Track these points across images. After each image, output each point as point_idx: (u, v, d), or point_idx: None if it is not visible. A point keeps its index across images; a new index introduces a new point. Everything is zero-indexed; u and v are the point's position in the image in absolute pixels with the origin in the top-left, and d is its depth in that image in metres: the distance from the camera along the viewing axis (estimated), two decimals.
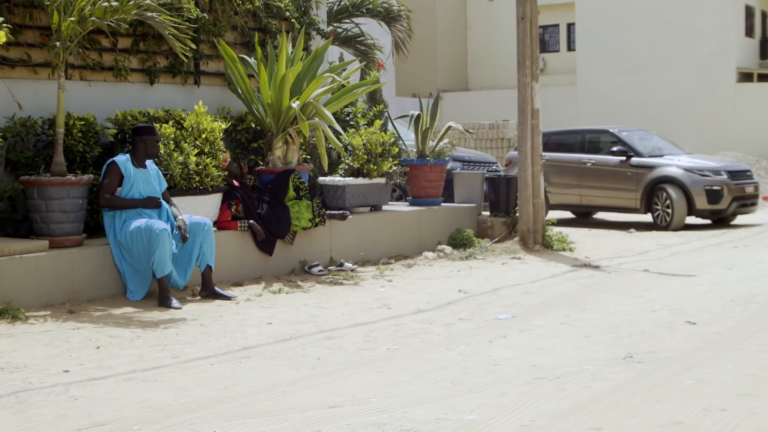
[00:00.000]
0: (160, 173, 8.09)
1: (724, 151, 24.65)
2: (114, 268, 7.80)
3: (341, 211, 9.85)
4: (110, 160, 7.87)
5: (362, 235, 10.22)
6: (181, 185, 8.47)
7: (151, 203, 7.80)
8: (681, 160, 14.37)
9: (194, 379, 5.22)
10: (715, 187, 13.85)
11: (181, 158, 8.45)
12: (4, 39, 7.18)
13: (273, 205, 9.20)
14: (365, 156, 10.39)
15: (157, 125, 8.42)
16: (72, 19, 7.61)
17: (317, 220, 9.37)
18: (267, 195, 9.31)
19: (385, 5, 15.26)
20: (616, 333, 6.38)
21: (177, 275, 7.86)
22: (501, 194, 11.85)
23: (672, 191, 13.81)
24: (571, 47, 32.60)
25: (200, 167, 8.60)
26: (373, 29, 16.34)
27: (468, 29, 34.22)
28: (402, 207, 11.36)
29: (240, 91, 9.85)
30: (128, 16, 7.89)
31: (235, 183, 9.24)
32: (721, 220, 14.50)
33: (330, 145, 10.29)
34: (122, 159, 7.83)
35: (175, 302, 7.52)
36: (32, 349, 5.97)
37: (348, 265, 9.62)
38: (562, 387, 4.94)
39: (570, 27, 32.51)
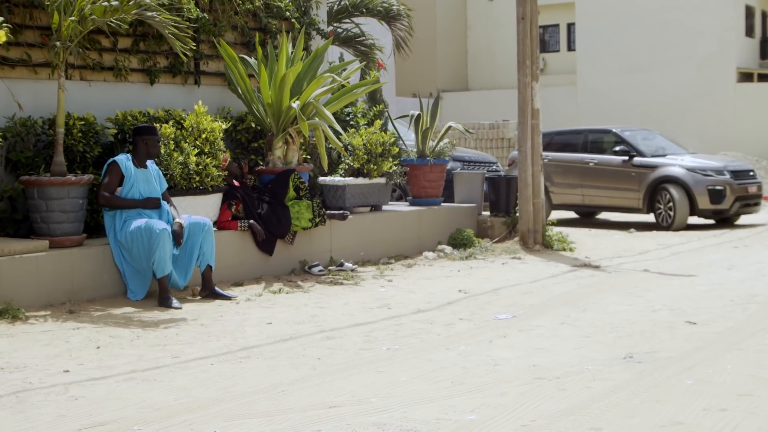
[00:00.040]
0: (161, 173, 8.09)
1: (724, 151, 24.65)
2: (114, 268, 7.80)
3: (341, 211, 9.85)
4: (111, 159, 7.87)
5: (362, 235, 10.22)
6: (181, 185, 8.47)
7: (150, 204, 7.80)
8: (683, 159, 14.31)
9: (194, 379, 5.22)
10: (717, 187, 13.79)
11: (181, 158, 8.45)
12: (4, 38, 7.17)
13: (273, 205, 9.20)
14: (365, 156, 10.39)
15: (157, 125, 8.42)
16: (72, 18, 7.61)
17: (317, 220, 9.37)
18: (267, 195, 9.31)
19: (384, 4, 15.26)
20: (616, 333, 6.38)
21: (177, 275, 7.86)
22: (501, 194, 11.85)
23: (674, 191, 13.77)
24: (571, 47, 32.60)
25: (200, 167, 8.60)
26: (374, 29, 16.34)
27: (468, 29, 34.22)
28: (402, 207, 11.36)
29: (240, 91, 9.85)
30: (128, 16, 7.89)
31: (236, 183, 9.24)
32: (724, 220, 14.43)
33: (330, 145, 10.29)
34: (123, 159, 7.83)
35: (175, 302, 7.52)
36: (32, 349, 5.97)
37: (348, 265, 9.62)
38: (562, 387, 4.94)
39: (570, 27, 32.51)
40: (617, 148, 14.56)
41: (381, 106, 11.72)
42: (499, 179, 11.99)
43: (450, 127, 12.32)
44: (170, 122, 8.82)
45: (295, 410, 4.56)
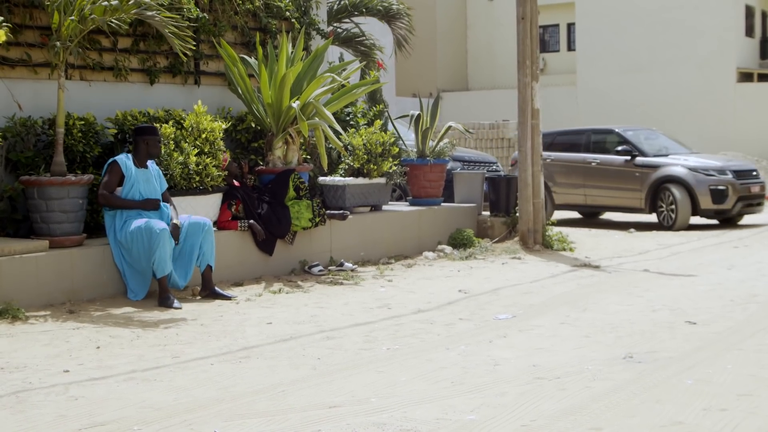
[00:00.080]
0: (161, 173, 8.09)
1: (724, 151, 24.64)
2: (114, 268, 7.80)
3: (341, 211, 9.85)
4: (111, 159, 7.87)
5: (362, 235, 10.22)
6: (181, 185, 8.47)
7: (149, 205, 7.77)
8: (686, 159, 14.24)
9: (194, 379, 5.22)
10: (719, 187, 13.72)
11: (181, 158, 8.45)
12: (3, 38, 7.18)
13: (273, 205, 9.20)
14: (365, 156, 10.39)
15: (157, 125, 8.42)
16: (72, 18, 7.61)
17: (317, 219, 9.38)
18: (267, 195, 9.31)
19: (384, 4, 15.26)
20: (616, 333, 6.38)
21: (177, 275, 7.86)
22: (501, 194, 11.85)
23: (676, 191, 13.72)
24: (571, 47, 32.61)
25: (200, 167, 8.60)
26: (374, 29, 16.35)
27: (468, 29, 34.23)
28: (402, 207, 11.36)
29: (240, 91, 9.85)
30: (128, 16, 7.89)
31: (235, 183, 9.24)
32: (727, 220, 14.37)
33: (330, 145, 10.29)
34: (123, 158, 7.83)
35: (175, 302, 7.52)
36: (32, 349, 5.97)
37: (348, 265, 9.62)
38: (562, 387, 4.94)
39: (570, 27, 32.52)
40: (619, 148, 14.51)
41: (381, 106, 11.72)
42: (499, 179, 11.99)
43: (450, 127, 12.32)
44: (170, 122, 8.82)
45: (295, 410, 4.56)
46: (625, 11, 29.12)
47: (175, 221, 7.76)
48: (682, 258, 10.62)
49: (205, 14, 9.72)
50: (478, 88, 33.31)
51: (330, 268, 9.51)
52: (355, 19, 15.49)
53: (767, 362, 5.47)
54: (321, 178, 10.49)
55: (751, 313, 7.12)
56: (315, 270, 9.29)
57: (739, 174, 14.04)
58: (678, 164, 14.03)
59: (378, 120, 11.18)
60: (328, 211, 9.72)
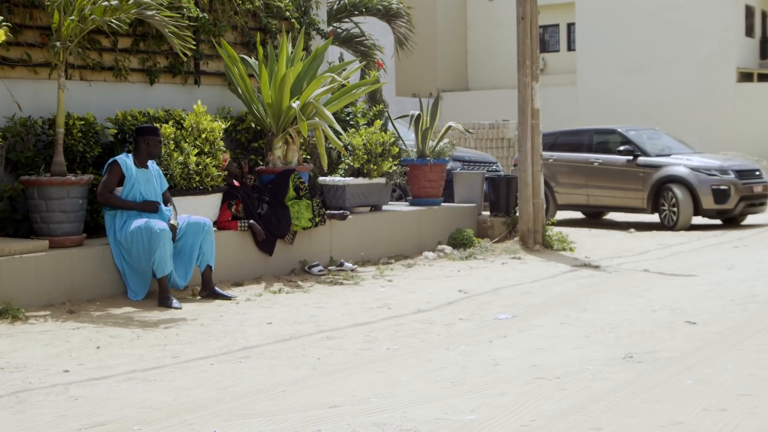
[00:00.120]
0: (162, 173, 8.09)
1: (724, 151, 24.64)
2: (114, 268, 7.80)
3: (341, 211, 9.85)
4: (112, 159, 7.86)
5: (362, 235, 10.22)
6: (181, 185, 8.47)
7: (147, 207, 7.75)
8: (688, 159, 14.18)
9: (194, 379, 5.22)
10: (722, 187, 13.65)
11: (181, 158, 8.45)
12: (3, 37, 7.17)
13: (273, 205, 9.20)
14: (365, 156, 10.39)
15: (157, 125, 8.42)
16: (72, 18, 7.61)
17: (317, 219, 9.38)
18: (267, 195, 9.31)
19: (384, 3, 15.25)
20: (616, 333, 6.38)
21: (177, 275, 7.86)
22: (501, 194, 11.85)
23: (678, 191, 13.66)
24: (571, 47, 32.62)
25: (200, 167, 8.60)
26: (374, 29, 16.34)
27: (468, 29, 34.23)
28: (402, 207, 11.36)
29: (240, 91, 9.85)
30: (128, 16, 7.89)
31: (235, 183, 9.24)
32: (730, 220, 14.33)
33: (330, 145, 10.30)
34: (124, 158, 7.82)
35: (175, 302, 7.52)
36: (32, 349, 5.97)
37: (348, 265, 9.62)
38: (562, 387, 4.94)
39: (570, 27, 32.53)
40: (621, 148, 14.46)
41: (381, 106, 11.72)
42: (499, 179, 11.99)
43: (450, 127, 12.32)
44: (170, 122, 8.82)
45: (295, 410, 4.56)
46: (625, 11, 29.12)
47: (172, 221, 7.76)
48: (682, 258, 10.61)
49: (205, 14, 9.73)
50: (478, 88, 33.32)
51: (330, 268, 9.51)
52: (354, 18, 15.48)
53: (767, 362, 5.47)
54: (321, 178, 10.49)
55: (751, 313, 7.12)
56: (315, 270, 9.29)
57: (742, 174, 13.97)
58: (680, 164, 13.98)
59: (378, 120, 11.18)
60: (328, 211, 9.72)
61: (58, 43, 7.71)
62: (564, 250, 11.07)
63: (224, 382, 5.14)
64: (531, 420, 4.35)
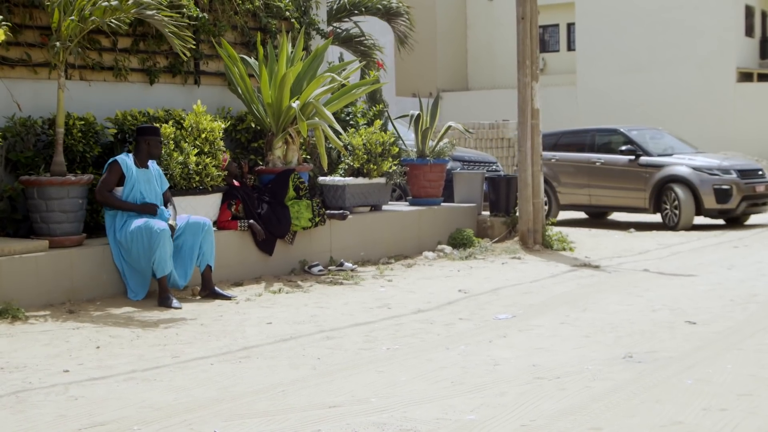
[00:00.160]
0: (162, 173, 8.08)
1: (724, 151, 24.64)
2: (114, 267, 7.80)
3: (341, 211, 9.85)
4: (113, 158, 7.86)
5: (362, 235, 10.22)
6: (181, 185, 8.47)
7: (146, 210, 7.74)
8: (690, 159, 14.13)
9: (194, 378, 5.22)
10: (723, 186, 13.60)
11: (180, 158, 8.45)
12: (3, 37, 7.17)
13: (273, 205, 9.20)
14: (365, 156, 10.39)
15: (157, 125, 8.41)
16: (72, 18, 7.61)
17: (317, 219, 9.38)
18: (267, 195, 9.31)
19: (383, 2, 15.24)
20: (616, 333, 6.38)
21: (177, 275, 7.86)
22: (501, 194, 11.85)
23: (679, 191, 13.61)
24: (571, 47, 32.62)
25: (200, 167, 8.60)
26: (373, 29, 16.34)
27: (468, 29, 34.24)
28: (402, 207, 11.36)
29: (240, 90, 9.85)
30: (128, 16, 7.89)
31: (235, 183, 9.24)
32: (733, 220, 14.28)
33: (330, 145, 10.30)
34: (125, 158, 7.82)
35: (175, 302, 7.52)
36: (32, 349, 5.97)
37: (348, 264, 9.62)
38: (562, 387, 4.94)
39: (570, 27, 32.53)
40: (623, 148, 14.42)
41: (381, 106, 11.72)
42: (499, 179, 11.99)
43: (450, 126, 12.32)
44: (170, 122, 8.82)
45: (295, 410, 4.56)
46: (625, 11, 29.13)
47: (171, 222, 7.75)
48: (682, 258, 10.61)
49: (204, 14, 9.72)
50: (478, 88, 33.32)
51: (330, 268, 9.51)
52: (354, 18, 15.48)
53: (767, 362, 5.47)
54: (321, 178, 10.49)
55: (751, 313, 7.12)
56: (315, 270, 9.29)
57: (744, 173, 13.90)
58: (682, 164, 13.93)
59: (378, 120, 11.18)
60: (327, 211, 9.72)
61: (58, 43, 7.70)
62: (564, 250, 11.07)
63: (224, 381, 5.14)
64: (531, 420, 4.35)
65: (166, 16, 8.05)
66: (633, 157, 14.27)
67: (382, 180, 10.62)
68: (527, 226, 11.11)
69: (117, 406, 4.64)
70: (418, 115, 11.74)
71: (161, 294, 7.57)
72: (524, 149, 11.20)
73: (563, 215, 15.63)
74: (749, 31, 29.70)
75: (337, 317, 7.11)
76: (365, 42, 15.37)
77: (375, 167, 10.46)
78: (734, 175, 13.74)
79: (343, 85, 10.24)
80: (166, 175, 8.24)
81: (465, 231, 11.27)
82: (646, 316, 7.02)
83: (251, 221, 8.96)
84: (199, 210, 8.51)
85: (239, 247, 8.89)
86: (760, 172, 14.28)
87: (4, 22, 7.30)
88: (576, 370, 5.30)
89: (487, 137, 23.39)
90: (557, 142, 15.20)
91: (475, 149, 20.28)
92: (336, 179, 10.35)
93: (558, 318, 6.97)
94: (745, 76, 28.70)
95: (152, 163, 8.00)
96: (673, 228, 13.66)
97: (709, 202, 13.61)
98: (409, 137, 12.40)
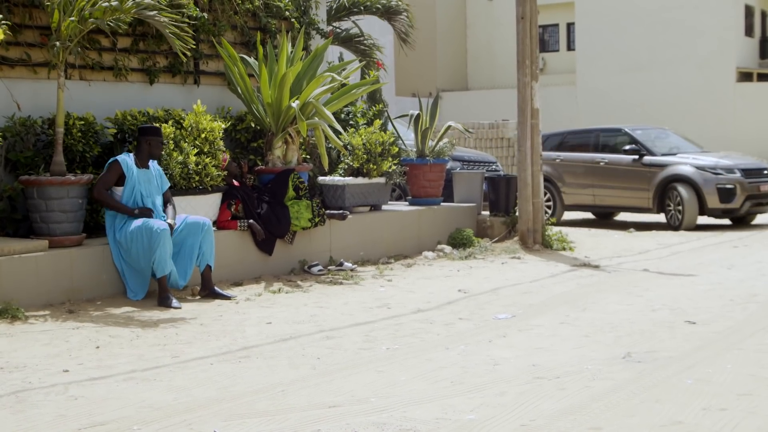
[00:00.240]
0: (163, 173, 8.08)
1: (724, 151, 24.62)
2: (113, 267, 7.80)
3: (341, 211, 9.85)
4: (113, 158, 7.86)
5: (362, 235, 10.22)
6: (180, 185, 8.47)
7: (142, 215, 7.70)
8: (694, 158, 14.06)
9: (194, 378, 5.22)
10: (727, 186, 13.52)
11: (180, 158, 8.45)
12: (2, 36, 7.17)
13: (273, 205, 9.20)
14: (365, 156, 10.39)
15: (157, 125, 8.41)
16: (72, 18, 7.61)
17: (317, 219, 9.37)
18: (267, 195, 9.31)
19: (383, 1, 15.23)
20: (615, 332, 6.38)
21: (177, 275, 7.85)
22: (501, 194, 11.85)
23: (683, 190, 13.54)
24: (570, 47, 32.61)
25: (200, 167, 8.60)
26: (373, 29, 16.34)
27: (468, 29, 34.23)
28: (402, 207, 11.36)
29: (240, 90, 9.85)
30: (127, 16, 7.89)
31: (235, 183, 9.24)
32: (738, 220, 14.22)
33: (330, 145, 10.29)
34: (125, 158, 7.82)
35: (174, 302, 7.52)
36: (32, 348, 5.97)
37: (348, 264, 9.62)
38: (562, 386, 4.94)
39: (570, 27, 32.52)
40: (627, 147, 14.36)
41: (380, 106, 11.72)
42: (498, 179, 11.99)
43: (449, 126, 12.32)
44: (170, 122, 8.82)
45: (294, 410, 4.55)
46: (625, 11, 29.12)
47: (169, 221, 7.75)
48: (681, 257, 10.61)
49: (204, 14, 9.72)
50: (477, 87, 33.31)
51: (330, 267, 9.51)
52: (354, 17, 15.47)
53: (767, 362, 5.47)
54: (321, 178, 10.49)
55: (751, 313, 7.12)
56: (314, 270, 9.29)
57: (748, 173, 13.80)
58: (685, 163, 13.86)
59: (377, 120, 11.18)
60: (327, 211, 9.72)
61: (57, 43, 7.70)
62: (564, 249, 11.07)
63: (224, 381, 5.14)
64: (531, 420, 4.35)
65: (166, 16, 8.05)
66: (636, 157, 14.22)
67: (382, 180, 10.62)
68: (527, 226, 11.11)
69: (117, 406, 4.64)
70: (418, 115, 11.74)
71: (161, 294, 7.57)
72: (524, 149, 11.20)
73: (569, 216, 15.59)
74: (749, 31, 29.70)
75: (337, 317, 7.11)
76: (365, 42, 15.37)
77: (375, 167, 10.46)
78: (738, 175, 13.65)
79: (343, 85, 10.24)
80: (165, 174, 8.24)
81: (465, 231, 11.27)
82: (645, 315, 7.02)
83: (251, 221, 8.96)
84: (199, 210, 8.51)
85: (239, 246, 8.89)
86: (765, 171, 14.15)
87: (3, 22, 7.31)
88: (576, 369, 5.30)
89: (487, 137, 23.39)
90: (562, 141, 15.18)
91: (474, 149, 20.27)
92: (336, 179, 10.35)
93: (558, 318, 6.97)
94: (745, 76, 28.70)
95: (153, 163, 8.00)
96: (677, 228, 13.59)
97: (713, 201, 13.53)
98: (408, 137, 12.40)
